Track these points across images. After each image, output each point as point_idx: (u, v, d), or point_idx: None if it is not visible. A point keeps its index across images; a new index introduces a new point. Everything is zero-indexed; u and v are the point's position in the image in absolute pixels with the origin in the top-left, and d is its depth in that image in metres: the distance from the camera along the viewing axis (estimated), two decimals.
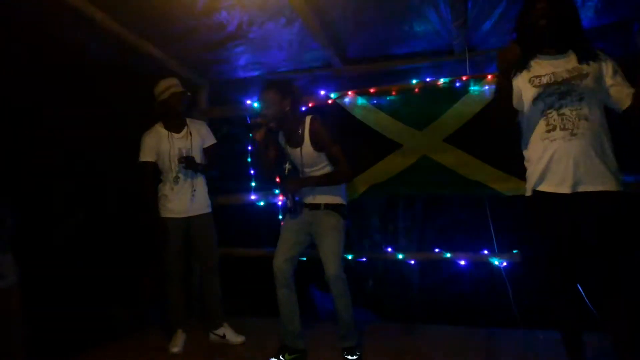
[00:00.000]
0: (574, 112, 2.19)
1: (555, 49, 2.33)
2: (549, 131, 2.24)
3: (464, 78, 3.68)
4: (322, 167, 3.11)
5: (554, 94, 2.24)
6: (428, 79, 3.79)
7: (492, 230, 3.65)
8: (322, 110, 3.86)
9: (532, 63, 2.34)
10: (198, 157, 3.51)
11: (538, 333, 3.36)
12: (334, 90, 4.02)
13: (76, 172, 4.77)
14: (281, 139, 3.21)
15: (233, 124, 3.00)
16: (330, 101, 4.02)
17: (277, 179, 3.78)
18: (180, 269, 3.55)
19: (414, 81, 3.81)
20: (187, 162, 3.37)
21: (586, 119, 2.19)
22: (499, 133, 3.50)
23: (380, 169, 3.87)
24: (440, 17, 3.32)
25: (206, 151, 3.62)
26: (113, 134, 4.52)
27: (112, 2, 3.04)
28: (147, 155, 3.47)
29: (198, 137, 3.56)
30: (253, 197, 4.24)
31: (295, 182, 3.12)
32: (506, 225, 3.65)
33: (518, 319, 3.50)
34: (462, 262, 3.70)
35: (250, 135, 3.10)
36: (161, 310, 4.28)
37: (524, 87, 2.34)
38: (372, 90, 3.93)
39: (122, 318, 4.33)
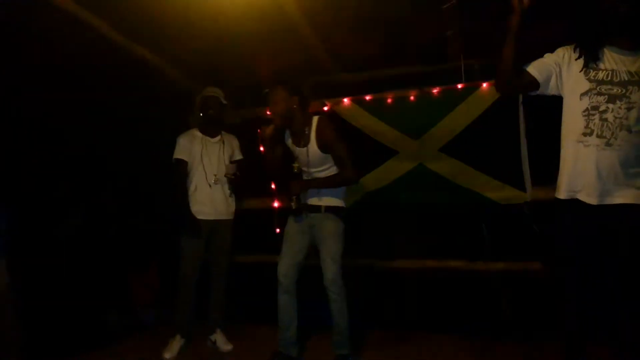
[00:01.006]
0: (618, 120, 2.03)
1: (629, 43, 2.11)
2: (585, 134, 2.08)
3: (459, 86, 3.69)
4: (328, 168, 3.09)
5: (604, 94, 2.06)
6: (424, 87, 3.81)
7: (488, 239, 3.66)
8: None
9: (599, 54, 2.12)
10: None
11: (531, 342, 3.35)
12: (331, 97, 4.03)
13: (73, 174, 4.77)
14: (287, 138, 3.18)
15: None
16: (326, 108, 4.03)
17: (274, 183, 3.80)
18: (196, 272, 3.56)
19: (410, 89, 3.82)
20: (235, 178, 3.51)
21: (628, 130, 2.03)
22: (495, 142, 3.57)
23: (376, 176, 3.88)
24: (434, 26, 3.33)
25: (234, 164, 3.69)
26: (111, 135, 4.54)
27: (112, 9, 3.07)
28: (180, 153, 3.57)
29: (229, 148, 3.67)
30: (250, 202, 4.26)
31: (300, 183, 3.10)
32: (502, 233, 3.65)
33: (513, 329, 3.51)
34: (458, 270, 3.71)
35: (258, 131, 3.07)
36: (156, 314, 4.29)
37: (577, 78, 2.14)
38: (368, 97, 3.95)
39: (117, 322, 4.32)
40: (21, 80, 3.78)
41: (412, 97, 3.83)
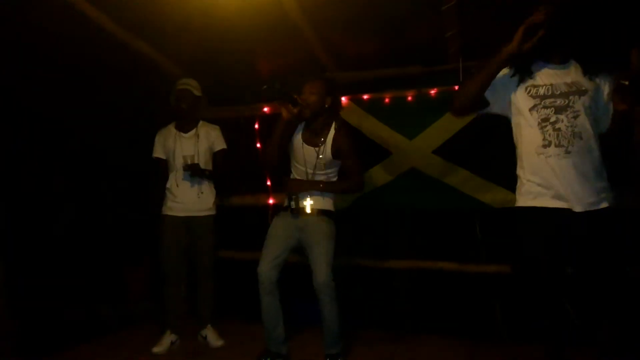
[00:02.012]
0: (570, 129, 2.14)
1: (559, 57, 2.25)
2: (544, 146, 2.18)
3: (457, 88, 3.67)
4: (330, 173, 3.10)
5: (550, 107, 2.18)
6: (421, 88, 3.80)
7: (480, 241, 3.66)
8: None
9: (533, 70, 2.25)
10: (203, 161, 3.54)
11: (522, 346, 3.35)
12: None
13: (68, 169, 4.76)
14: (297, 134, 3.12)
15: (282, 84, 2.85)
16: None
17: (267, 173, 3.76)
18: (179, 269, 3.55)
19: (408, 90, 3.81)
20: (191, 170, 3.41)
21: (580, 137, 2.14)
22: (489, 145, 3.56)
23: (369, 177, 3.87)
24: (433, 27, 3.32)
25: (215, 156, 3.64)
26: (107, 131, 4.53)
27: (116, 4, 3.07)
28: (157, 151, 3.59)
29: (206, 141, 3.59)
30: (243, 198, 4.26)
31: (302, 183, 3.09)
32: (494, 235, 3.64)
33: (504, 331, 3.51)
34: (450, 272, 3.70)
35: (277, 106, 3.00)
36: (150, 308, 4.28)
37: (520, 96, 2.26)
38: (365, 96, 3.95)
39: (111, 315, 4.32)
40: (17, 74, 3.77)
41: (409, 98, 3.82)
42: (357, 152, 3.05)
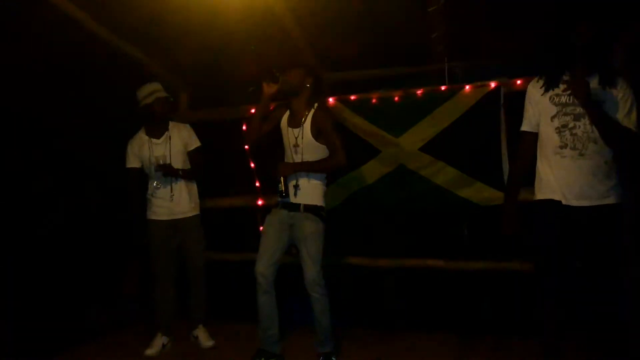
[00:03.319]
0: (585, 134, 2.34)
1: (585, 71, 2.36)
2: (561, 147, 2.38)
3: (443, 88, 3.74)
4: (316, 158, 3.08)
5: (570, 114, 2.37)
6: (408, 88, 3.85)
7: (467, 238, 3.73)
8: None
9: (560, 80, 2.42)
10: (178, 162, 3.51)
11: (510, 340, 3.43)
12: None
13: (56, 169, 4.71)
14: (283, 119, 3.16)
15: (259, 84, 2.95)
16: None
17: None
18: (168, 271, 3.55)
19: (394, 90, 3.86)
20: (164, 170, 3.39)
21: (595, 142, 2.33)
22: (476, 144, 3.63)
23: (357, 175, 3.91)
24: (420, 29, 3.38)
25: (190, 155, 3.61)
26: (93, 131, 4.50)
27: (97, 3, 3.05)
28: (131, 161, 3.55)
29: (179, 142, 3.56)
30: (232, 200, 4.26)
31: (289, 165, 3.09)
32: (481, 232, 3.71)
33: (491, 326, 3.58)
34: (438, 269, 3.76)
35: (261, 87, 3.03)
36: (142, 309, 4.26)
37: (546, 104, 2.45)
38: (352, 97, 3.98)
39: (101, 316, 4.28)
40: (6, 76, 3.72)
41: (396, 98, 3.86)
42: (337, 129, 3.07)
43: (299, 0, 3.12)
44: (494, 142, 3.57)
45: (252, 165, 4.17)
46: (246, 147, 4.02)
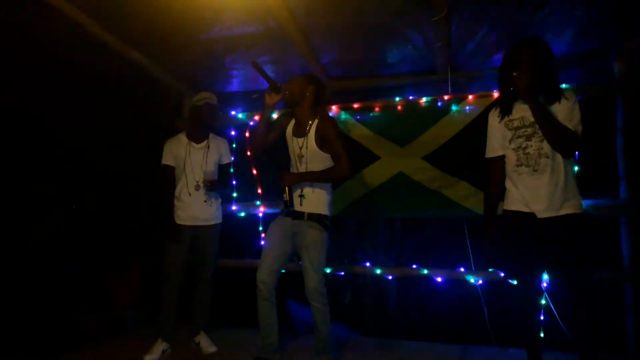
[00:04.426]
0: (536, 152, 2.55)
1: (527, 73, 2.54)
2: (517, 165, 2.61)
3: (446, 98, 3.75)
4: (320, 168, 3.06)
5: (522, 136, 2.59)
6: (411, 98, 3.86)
7: (468, 248, 3.71)
8: None
9: (512, 106, 2.65)
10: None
11: (510, 350, 3.41)
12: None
13: (55, 174, 4.72)
14: (288, 129, 3.17)
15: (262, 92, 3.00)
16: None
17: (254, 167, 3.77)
18: (178, 276, 3.54)
19: (397, 99, 3.88)
20: (211, 185, 3.47)
21: (547, 157, 2.52)
22: (479, 153, 3.62)
23: (358, 180, 3.91)
24: (424, 38, 3.39)
25: (221, 168, 3.67)
26: (98, 136, 4.51)
27: (102, 9, 3.06)
28: (167, 159, 3.59)
29: (216, 153, 3.63)
30: (234, 207, 4.26)
31: (294, 175, 3.07)
32: (483, 243, 3.69)
33: (492, 336, 3.56)
34: (439, 279, 3.75)
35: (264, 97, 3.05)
36: (138, 316, 4.25)
37: (503, 130, 2.68)
38: (355, 105, 4.00)
39: (96, 323, 4.27)
40: (12, 81, 3.75)
41: (399, 107, 3.88)
42: (341, 139, 3.04)
43: (303, 8, 3.12)
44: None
45: (255, 172, 4.18)
46: (249, 154, 4.03)
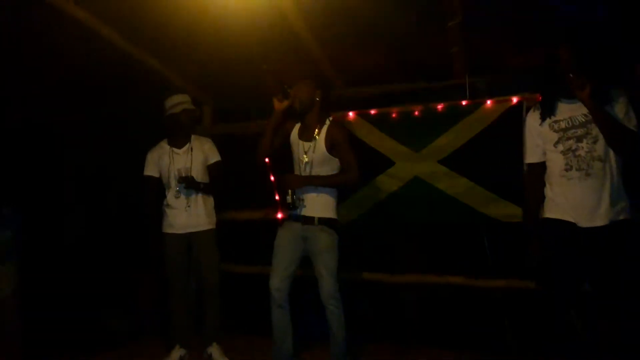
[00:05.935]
0: (589, 154, 2.40)
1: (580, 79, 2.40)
2: (567, 170, 2.45)
3: (464, 103, 3.72)
4: (327, 172, 3.06)
5: (572, 138, 2.44)
6: (428, 103, 3.83)
7: (488, 254, 3.65)
8: None
9: (555, 107, 2.51)
10: (198, 174, 3.50)
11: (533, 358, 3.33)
12: (336, 111, 4.06)
13: (79, 179, 4.83)
14: (294, 132, 3.17)
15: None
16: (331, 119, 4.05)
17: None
18: (183, 284, 3.54)
19: (414, 105, 3.85)
20: (186, 182, 3.39)
21: (600, 160, 2.39)
22: (497, 158, 3.57)
23: (373, 187, 3.89)
24: (439, 44, 3.37)
25: (210, 168, 3.61)
26: (115, 141, 4.60)
27: (121, 19, 3.14)
28: (149, 169, 3.55)
29: (200, 154, 3.56)
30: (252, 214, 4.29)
31: (299, 178, 3.07)
32: (503, 250, 3.63)
33: (513, 347, 3.49)
34: (457, 286, 3.70)
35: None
36: (160, 318, 4.28)
37: (546, 133, 2.53)
38: (373, 111, 3.99)
39: (120, 326, 4.32)
40: (29, 87, 3.85)
41: (416, 112, 3.85)
42: (352, 145, 3.05)
43: (317, 14, 3.14)
44: (515, 158, 3.51)
45: (272, 178, 4.19)
46: (267, 160, 4.05)
